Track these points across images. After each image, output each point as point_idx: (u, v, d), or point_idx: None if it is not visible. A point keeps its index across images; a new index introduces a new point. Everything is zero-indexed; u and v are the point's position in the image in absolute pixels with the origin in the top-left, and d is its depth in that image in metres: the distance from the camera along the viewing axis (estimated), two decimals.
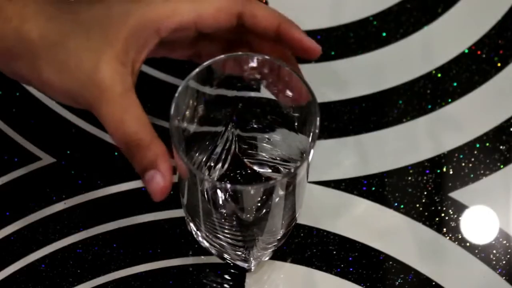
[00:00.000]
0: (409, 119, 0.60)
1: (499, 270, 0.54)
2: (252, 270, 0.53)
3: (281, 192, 0.45)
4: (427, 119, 0.60)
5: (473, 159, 0.58)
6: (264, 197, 0.45)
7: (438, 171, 0.58)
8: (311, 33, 0.59)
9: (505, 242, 0.55)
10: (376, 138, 0.59)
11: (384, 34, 0.63)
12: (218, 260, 0.53)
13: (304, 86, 0.45)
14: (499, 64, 0.62)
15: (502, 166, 0.58)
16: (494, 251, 0.55)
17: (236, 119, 0.50)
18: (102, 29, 0.42)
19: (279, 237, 0.50)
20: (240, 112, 0.50)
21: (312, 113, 0.45)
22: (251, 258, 0.51)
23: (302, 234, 0.55)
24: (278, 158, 0.52)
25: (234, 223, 0.47)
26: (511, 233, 0.56)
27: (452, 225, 0.56)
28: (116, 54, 0.42)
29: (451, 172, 0.58)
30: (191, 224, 0.50)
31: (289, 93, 0.48)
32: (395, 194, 0.57)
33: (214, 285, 0.53)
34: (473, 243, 0.55)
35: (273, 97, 0.49)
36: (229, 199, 0.46)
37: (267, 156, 0.52)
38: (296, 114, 0.48)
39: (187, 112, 0.47)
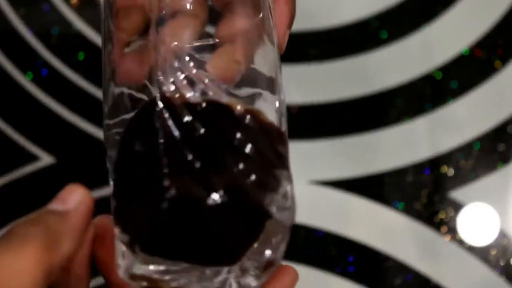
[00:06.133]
0: (409, 119, 0.60)
1: (499, 270, 0.54)
2: None
3: None
4: (427, 119, 0.60)
5: (472, 159, 0.58)
6: None
7: (438, 171, 0.58)
8: (311, 33, 0.60)
9: (504, 242, 0.55)
10: (376, 138, 0.59)
11: (384, 34, 0.63)
12: None
13: None
14: (499, 64, 0.62)
15: (501, 166, 0.58)
16: (494, 251, 0.55)
17: None
18: None
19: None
20: None
21: None
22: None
23: (302, 234, 0.55)
24: None
25: None
26: (511, 233, 0.56)
27: (452, 225, 0.56)
28: None
29: (450, 172, 0.58)
30: None
31: None
32: (395, 194, 0.57)
33: None
34: (473, 243, 0.55)
35: None
36: None
37: None
38: None
39: None
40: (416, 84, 0.61)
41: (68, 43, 0.61)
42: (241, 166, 0.31)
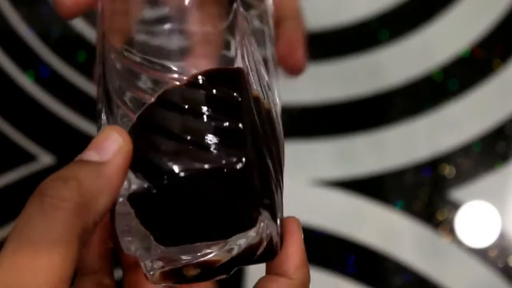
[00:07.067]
0: (409, 119, 0.60)
1: (499, 270, 0.54)
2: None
3: None
4: (427, 119, 0.60)
5: (472, 159, 0.58)
6: None
7: (438, 171, 0.58)
8: (311, 33, 0.59)
9: (504, 242, 0.55)
10: (376, 138, 0.59)
11: (384, 34, 0.63)
12: None
13: None
14: (498, 64, 0.62)
15: (501, 166, 0.58)
16: (494, 251, 0.55)
17: None
18: None
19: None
20: None
21: None
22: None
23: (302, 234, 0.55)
24: None
25: None
26: (511, 233, 0.56)
27: (452, 224, 0.56)
28: None
29: (451, 172, 0.58)
30: None
31: None
32: (395, 194, 0.57)
33: None
34: (473, 243, 0.55)
35: None
36: None
37: None
38: None
39: None
40: (416, 84, 0.61)
41: (68, 44, 0.61)
42: (256, 160, 0.30)
